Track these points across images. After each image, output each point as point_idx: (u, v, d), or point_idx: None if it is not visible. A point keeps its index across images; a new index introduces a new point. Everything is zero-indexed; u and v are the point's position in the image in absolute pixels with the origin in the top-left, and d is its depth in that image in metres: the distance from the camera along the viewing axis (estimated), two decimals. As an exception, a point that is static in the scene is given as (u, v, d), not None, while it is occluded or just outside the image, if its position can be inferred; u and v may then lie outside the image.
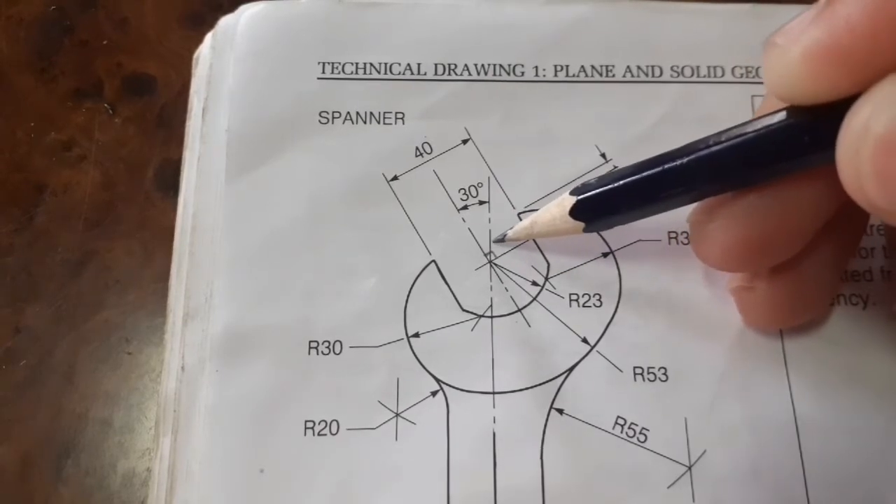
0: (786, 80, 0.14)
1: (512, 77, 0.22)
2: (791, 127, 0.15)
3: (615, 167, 0.21)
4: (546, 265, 0.20)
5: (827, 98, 0.14)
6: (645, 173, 0.17)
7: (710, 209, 0.17)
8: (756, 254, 0.17)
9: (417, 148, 0.21)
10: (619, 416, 0.19)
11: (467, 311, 0.20)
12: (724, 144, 0.16)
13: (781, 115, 0.15)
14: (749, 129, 0.15)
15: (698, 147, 0.16)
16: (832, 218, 0.17)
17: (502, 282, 0.20)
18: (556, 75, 0.22)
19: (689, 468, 0.18)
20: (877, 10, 0.12)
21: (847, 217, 0.17)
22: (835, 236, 0.18)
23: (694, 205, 0.18)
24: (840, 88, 0.13)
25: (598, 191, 0.18)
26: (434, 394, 0.19)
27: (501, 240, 0.20)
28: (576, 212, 0.18)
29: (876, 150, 0.12)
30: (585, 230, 0.18)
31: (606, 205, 0.18)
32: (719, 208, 0.17)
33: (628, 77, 0.22)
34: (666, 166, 0.16)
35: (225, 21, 0.23)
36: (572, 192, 0.18)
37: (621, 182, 0.17)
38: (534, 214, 0.19)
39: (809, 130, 0.14)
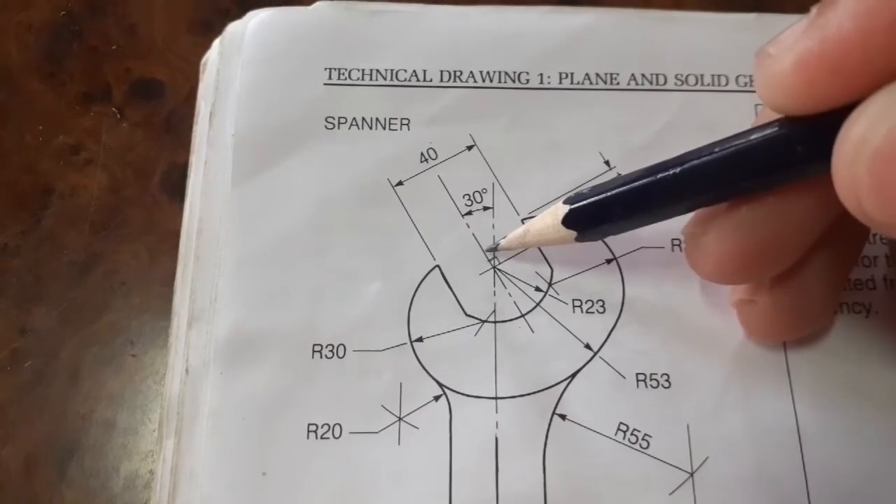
0: (778, 90, 0.14)
1: (517, 84, 0.22)
2: (784, 138, 0.15)
3: (619, 175, 0.21)
4: (549, 271, 0.20)
5: (820, 108, 0.13)
6: (638, 183, 0.17)
7: (704, 221, 0.17)
8: (751, 265, 0.17)
9: (422, 154, 0.21)
10: (621, 423, 0.19)
11: (471, 317, 0.20)
12: (717, 155, 0.15)
13: (774, 126, 0.15)
14: (742, 139, 0.15)
15: (691, 157, 0.16)
16: (831, 229, 0.17)
17: (506, 287, 0.20)
18: (560, 83, 0.22)
19: (692, 475, 0.18)
20: (868, 17, 0.12)
21: (846, 228, 0.17)
22: (834, 248, 0.18)
23: (688, 216, 0.18)
24: (833, 98, 0.13)
25: (590, 200, 0.18)
26: (437, 398, 0.19)
27: (494, 249, 0.20)
28: (568, 221, 0.18)
29: (874, 163, 0.12)
30: (578, 239, 0.18)
31: (599, 214, 0.18)
32: (713, 220, 0.17)
33: (633, 85, 0.22)
34: (659, 176, 0.16)
35: (233, 27, 0.23)
36: (565, 201, 0.18)
37: (614, 191, 0.17)
38: (527, 223, 0.19)
39: (803, 141, 0.14)
